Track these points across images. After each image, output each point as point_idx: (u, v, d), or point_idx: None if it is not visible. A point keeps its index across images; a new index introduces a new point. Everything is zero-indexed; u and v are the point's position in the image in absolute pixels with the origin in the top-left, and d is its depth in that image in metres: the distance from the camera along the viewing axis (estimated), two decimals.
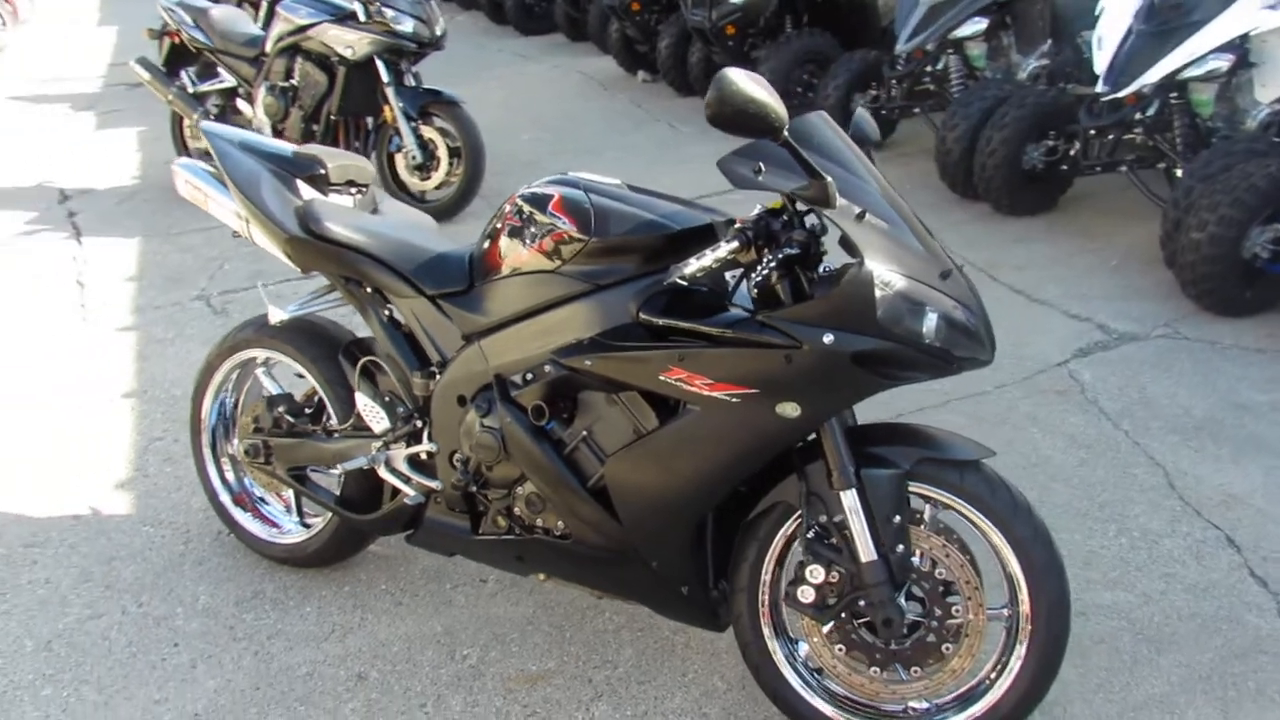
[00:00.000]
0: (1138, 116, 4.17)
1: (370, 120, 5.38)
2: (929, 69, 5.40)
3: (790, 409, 1.80)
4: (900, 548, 1.90)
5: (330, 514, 2.56)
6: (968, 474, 1.90)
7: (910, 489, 1.93)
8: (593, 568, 2.15)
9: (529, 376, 2.07)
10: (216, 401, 2.73)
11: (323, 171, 2.43)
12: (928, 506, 1.96)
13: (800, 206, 1.82)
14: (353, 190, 2.51)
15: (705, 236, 1.97)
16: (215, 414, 2.73)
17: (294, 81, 5.33)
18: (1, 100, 8.67)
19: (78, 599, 2.68)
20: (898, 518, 1.89)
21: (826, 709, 2.05)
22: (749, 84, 1.61)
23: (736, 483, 1.97)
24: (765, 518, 2.02)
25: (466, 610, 2.56)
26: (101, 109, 8.23)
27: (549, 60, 9.26)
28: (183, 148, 5.93)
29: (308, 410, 2.59)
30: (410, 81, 5.23)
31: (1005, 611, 1.95)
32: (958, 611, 1.94)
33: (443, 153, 5.16)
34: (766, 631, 2.07)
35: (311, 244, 2.33)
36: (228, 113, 5.75)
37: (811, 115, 1.89)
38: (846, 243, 1.74)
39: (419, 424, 2.32)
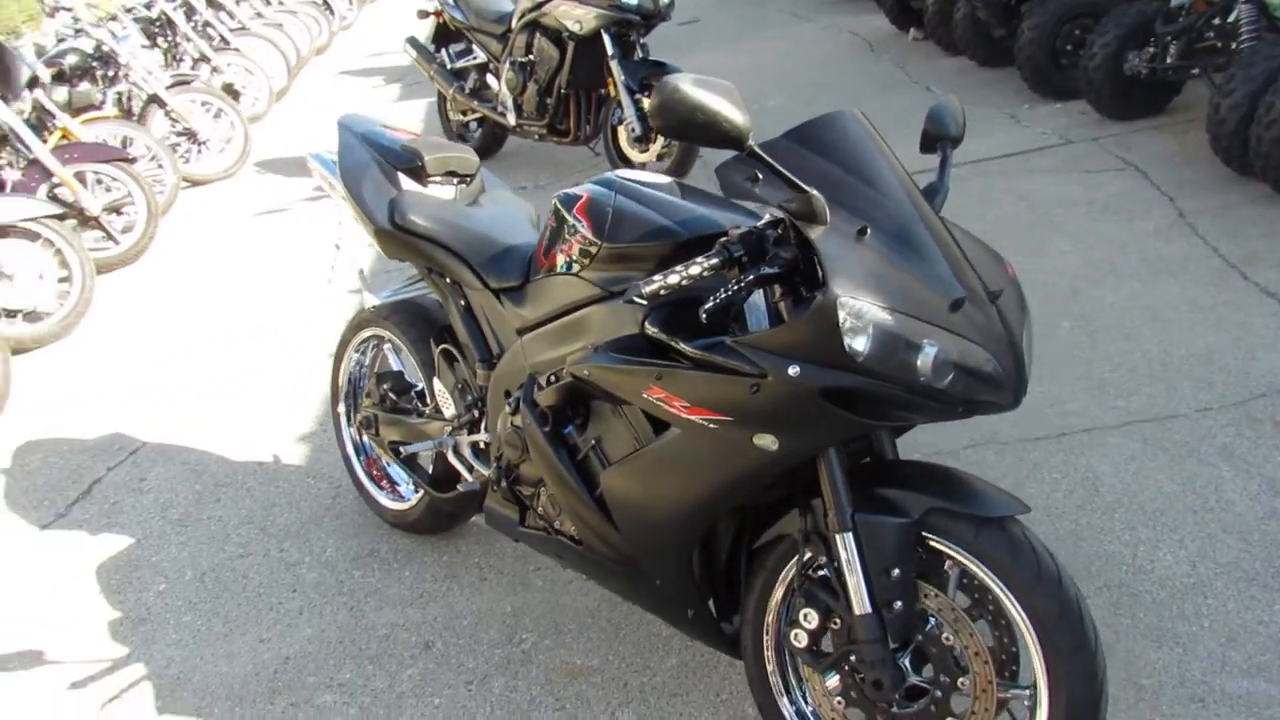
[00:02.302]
0: None
1: (601, 93, 5.49)
2: (1215, 22, 4.60)
3: (769, 441, 1.64)
4: (899, 604, 1.69)
5: None
6: (986, 531, 1.65)
7: (931, 542, 1.71)
8: (607, 575, 2.11)
9: (551, 379, 2.05)
10: (349, 372, 2.96)
11: (420, 164, 2.52)
12: (949, 563, 1.73)
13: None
14: (454, 181, 2.59)
15: None
16: (348, 383, 2.97)
17: (532, 56, 5.56)
18: (334, 74, 9.82)
19: (237, 538, 3.05)
20: (897, 570, 1.68)
21: None
22: (696, 91, 1.47)
23: (725, 510, 1.84)
24: (773, 549, 1.89)
25: (540, 594, 2.62)
26: (409, 81, 9.07)
27: (823, 19, 8.94)
28: (446, 120, 6.40)
29: (415, 389, 2.74)
30: (638, 54, 5.27)
31: (1027, 692, 1.69)
32: (964, 684, 1.70)
33: None
34: (770, 669, 1.93)
35: (396, 235, 2.44)
36: (481, 88, 6.12)
37: (837, 113, 1.70)
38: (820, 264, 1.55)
39: (477, 413, 2.39)
